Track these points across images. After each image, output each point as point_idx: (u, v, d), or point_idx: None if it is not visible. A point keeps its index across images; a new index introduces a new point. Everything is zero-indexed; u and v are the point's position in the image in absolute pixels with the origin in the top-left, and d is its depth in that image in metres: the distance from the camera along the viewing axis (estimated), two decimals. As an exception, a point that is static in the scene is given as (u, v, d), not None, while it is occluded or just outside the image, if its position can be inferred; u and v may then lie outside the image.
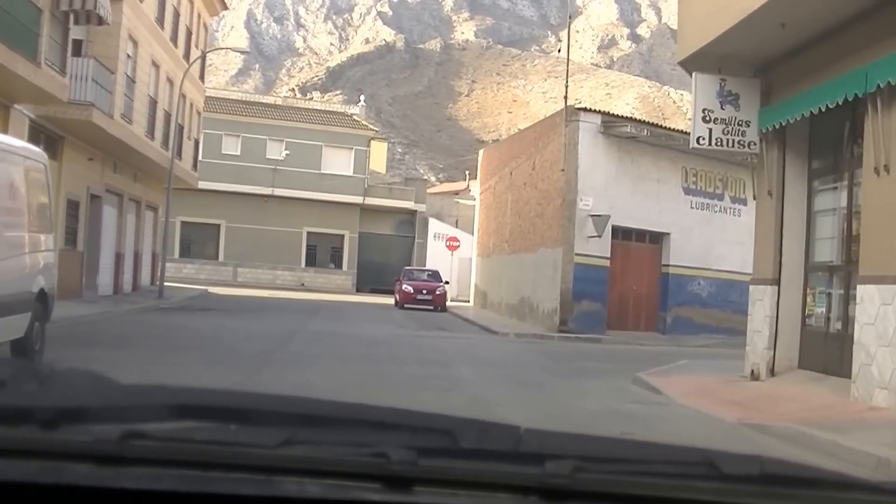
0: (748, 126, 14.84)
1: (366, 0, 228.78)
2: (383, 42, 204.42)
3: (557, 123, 29.74)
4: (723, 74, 14.81)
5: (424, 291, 40.35)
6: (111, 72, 26.34)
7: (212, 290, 43.60)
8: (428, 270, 43.52)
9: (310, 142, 52.90)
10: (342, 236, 54.00)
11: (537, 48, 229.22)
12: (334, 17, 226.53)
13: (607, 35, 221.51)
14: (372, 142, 55.42)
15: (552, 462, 1.36)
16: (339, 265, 54.23)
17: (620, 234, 29.38)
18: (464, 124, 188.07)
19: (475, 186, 69.30)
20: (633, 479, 1.40)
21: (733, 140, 14.92)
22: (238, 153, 52.22)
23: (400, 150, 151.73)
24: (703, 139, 14.82)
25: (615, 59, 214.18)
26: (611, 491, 1.38)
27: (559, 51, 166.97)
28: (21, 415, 1.37)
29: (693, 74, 14.82)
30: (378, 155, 58.82)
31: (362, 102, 58.89)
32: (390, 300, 44.18)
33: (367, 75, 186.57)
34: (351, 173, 53.51)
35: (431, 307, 39.97)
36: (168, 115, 35.04)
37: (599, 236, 28.06)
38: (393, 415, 1.48)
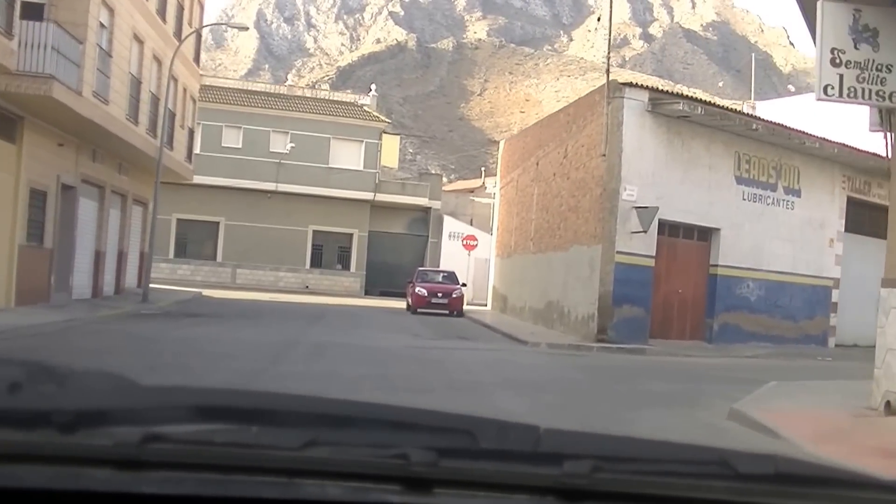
0: (889, 72, 10.91)
1: (377, 0, 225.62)
2: (395, 41, 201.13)
3: (597, 102, 25.76)
4: (856, 3, 10.86)
5: (439, 294, 36.51)
6: (79, 41, 22.47)
7: (206, 292, 39.82)
8: (443, 272, 39.64)
9: (317, 134, 49.04)
10: (350, 235, 50.14)
11: (549, 48, 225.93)
12: (345, 17, 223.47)
13: (619, 34, 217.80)
14: (384, 135, 51.50)
15: (570, 462, 1.36)
16: (346, 266, 50.36)
17: (667, 229, 25.43)
18: (476, 124, 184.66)
19: (492, 182, 65.83)
20: (650, 479, 1.39)
21: (870, 90, 10.93)
22: (239, 146, 48.40)
23: (412, 150, 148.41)
24: (833, 89, 10.84)
25: (627, 59, 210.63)
26: (628, 491, 1.37)
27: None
28: (38, 418, 1.34)
29: (819, 2, 10.83)
30: (390, 149, 54.87)
31: (373, 93, 54.93)
32: (402, 304, 40.41)
33: (379, 75, 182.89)
34: (361, 168, 49.62)
35: (447, 311, 36.28)
36: (156, 99, 31.21)
37: (645, 231, 24.14)
38: (412, 415, 1.47)
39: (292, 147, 47.81)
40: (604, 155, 24.92)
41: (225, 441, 1.34)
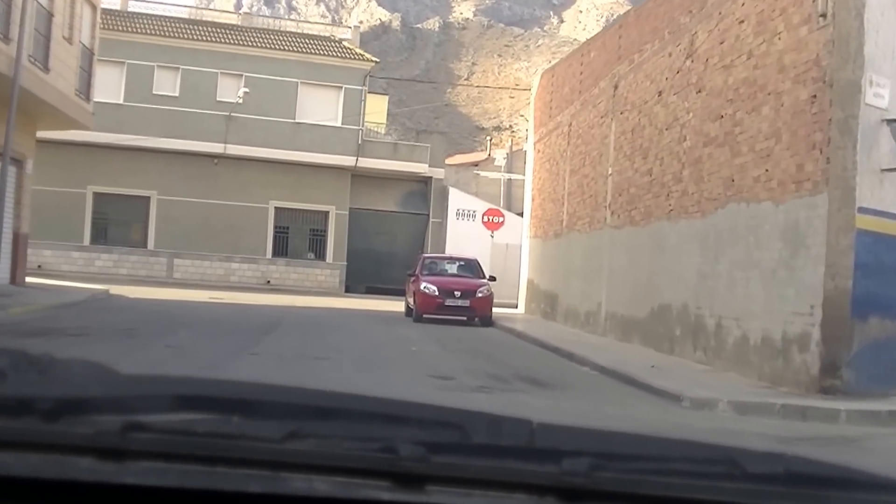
0: None
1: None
2: (378, 22, 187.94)
3: None
4: None
5: (457, 293, 23.70)
6: None
7: (118, 290, 26.78)
8: (460, 259, 26.66)
9: (280, 78, 35.87)
10: (325, 214, 36.99)
11: (539, 29, 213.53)
12: None
13: (612, 14, 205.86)
14: (368, 96, 38.30)
15: (569, 459, 1.29)
16: (321, 255, 37.16)
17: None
18: (463, 110, 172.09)
19: (502, 154, 53.26)
20: (655, 479, 1.32)
21: None
22: (176, 94, 35.20)
23: (396, 138, 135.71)
24: None
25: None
26: (631, 491, 1.30)
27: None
28: (22, 405, 1.31)
29: None
30: (376, 112, 41.67)
31: (356, 23, 41.60)
32: (397, 306, 27.77)
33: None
34: (339, 123, 36.48)
35: (465, 317, 23.77)
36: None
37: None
38: (400, 407, 1.43)
39: (246, 93, 34.52)
40: (822, 16, 12.12)
41: (207, 431, 1.30)
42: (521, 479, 1.30)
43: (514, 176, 50.17)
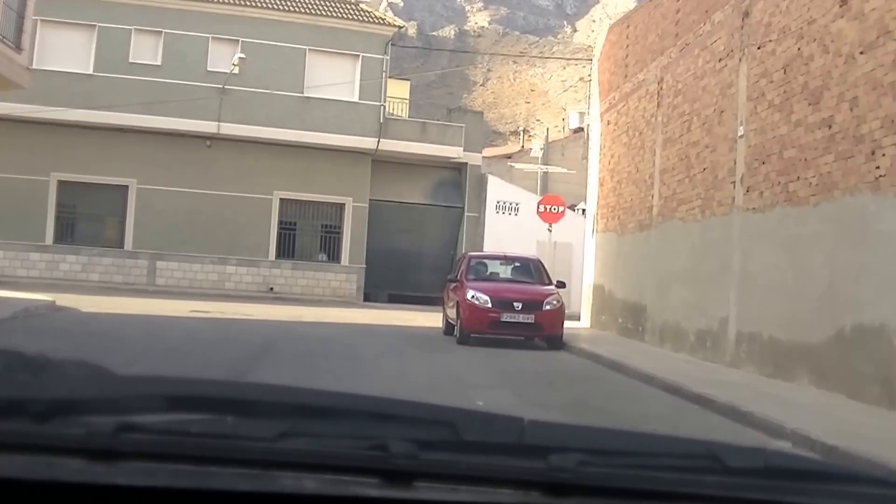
0: None
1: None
2: (395, 29, 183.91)
3: None
4: None
5: (518, 305, 17.34)
6: None
7: (74, 302, 20.52)
8: (517, 259, 20.12)
9: (284, 44, 29.41)
10: (340, 207, 30.46)
11: (553, 38, 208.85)
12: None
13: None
14: (389, 81, 31.87)
15: (557, 455, 1.29)
16: (335, 256, 30.57)
17: None
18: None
19: (539, 145, 47.16)
20: (638, 473, 1.34)
21: None
22: (158, 62, 28.76)
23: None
24: None
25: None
26: (616, 485, 1.32)
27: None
28: (13, 407, 1.27)
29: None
30: (398, 96, 35.24)
31: (374, -19, 35.00)
32: (430, 318, 21.70)
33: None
34: (356, 98, 30.03)
35: (525, 335, 17.66)
36: None
37: None
38: (393, 406, 1.40)
39: (242, 59, 28.06)
40: None
41: (200, 431, 1.28)
42: (509, 475, 1.29)
43: (551, 168, 44.20)
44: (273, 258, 29.96)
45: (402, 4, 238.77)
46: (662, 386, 12.27)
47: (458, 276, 18.62)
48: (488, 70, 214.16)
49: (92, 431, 1.24)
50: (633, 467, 1.35)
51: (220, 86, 28.61)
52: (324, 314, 23.14)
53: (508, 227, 30.34)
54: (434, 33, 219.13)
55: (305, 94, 29.48)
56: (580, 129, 50.26)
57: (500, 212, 31.18)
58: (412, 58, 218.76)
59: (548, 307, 17.50)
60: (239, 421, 1.31)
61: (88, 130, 27.80)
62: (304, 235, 30.52)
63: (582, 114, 53.07)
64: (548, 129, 54.79)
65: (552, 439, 1.37)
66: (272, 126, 28.96)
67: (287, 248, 30.27)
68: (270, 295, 28.94)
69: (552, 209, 23.38)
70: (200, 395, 1.40)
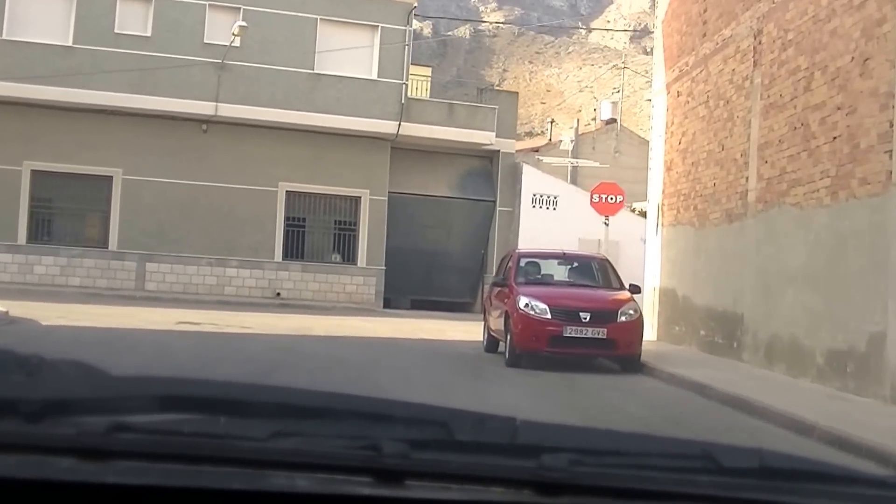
0: None
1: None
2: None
3: None
4: None
5: (585, 316, 13.39)
6: None
7: (35, 312, 16.92)
8: (576, 257, 16.26)
9: (292, 12, 25.62)
10: (356, 200, 26.54)
11: (567, 39, 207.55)
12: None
13: (639, 24, 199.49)
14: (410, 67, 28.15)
15: (548, 455, 1.28)
16: (350, 257, 26.70)
17: None
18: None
19: (569, 136, 43.52)
20: (631, 473, 1.33)
21: None
22: (147, 33, 25.00)
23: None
24: None
25: (648, 50, 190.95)
26: (608, 485, 1.31)
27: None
28: (6, 407, 1.26)
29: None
30: (418, 84, 31.48)
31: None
32: (461, 329, 18.55)
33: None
34: (374, 76, 26.21)
35: (594, 354, 13.96)
36: None
37: None
38: (386, 406, 1.40)
39: (243, 28, 24.19)
40: None
41: (192, 431, 1.27)
42: (500, 475, 1.29)
43: (582, 162, 40.64)
44: (279, 259, 26.17)
45: (415, 5, 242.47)
46: (829, 439, 8.31)
47: (508, 278, 14.72)
48: (504, 70, 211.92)
49: (84, 431, 1.23)
50: (626, 467, 1.32)
51: (219, 61, 24.90)
52: (338, 325, 19.30)
53: (546, 222, 26.71)
54: (449, 33, 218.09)
55: (316, 71, 25.71)
56: (613, 121, 46.60)
57: (537, 206, 27.39)
58: (427, 58, 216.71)
59: (623, 318, 13.62)
60: (231, 421, 1.29)
61: (67, 112, 24.17)
62: (315, 233, 26.73)
63: (615, 104, 49.44)
64: (577, 120, 50.86)
65: (545, 439, 1.35)
66: (278, 107, 25.27)
67: (295, 248, 26.51)
68: (277, 301, 25.15)
69: (609, 199, 19.52)
70: (193, 395, 1.37)
